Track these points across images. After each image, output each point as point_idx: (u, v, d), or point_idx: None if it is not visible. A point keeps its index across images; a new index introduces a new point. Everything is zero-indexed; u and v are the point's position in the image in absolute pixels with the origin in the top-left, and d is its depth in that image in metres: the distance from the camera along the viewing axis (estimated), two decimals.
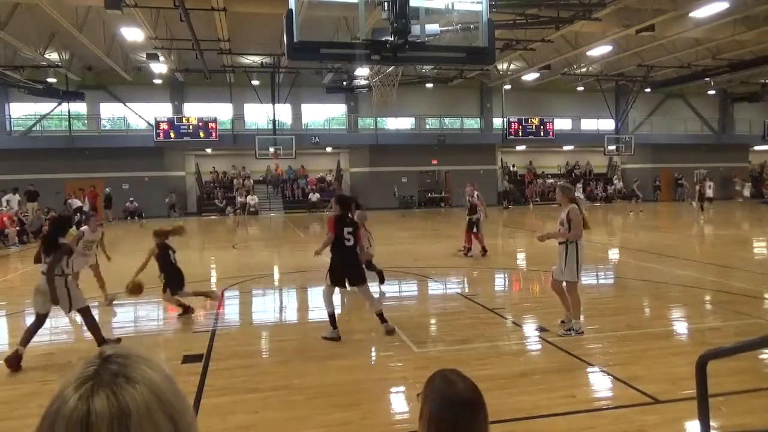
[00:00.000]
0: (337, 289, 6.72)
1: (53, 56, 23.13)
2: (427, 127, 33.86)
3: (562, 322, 6.57)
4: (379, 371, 5.50)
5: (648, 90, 32.32)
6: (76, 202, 22.84)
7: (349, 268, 6.50)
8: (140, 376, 0.75)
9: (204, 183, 31.52)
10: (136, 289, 7.44)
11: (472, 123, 34.70)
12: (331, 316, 6.44)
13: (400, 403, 4.74)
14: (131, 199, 27.92)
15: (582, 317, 6.54)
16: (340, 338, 6.32)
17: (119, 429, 0.69)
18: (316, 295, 9.45)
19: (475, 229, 12.62)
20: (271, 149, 28.45)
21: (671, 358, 5.45)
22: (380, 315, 6.54)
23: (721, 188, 32.32)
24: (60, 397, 0.72)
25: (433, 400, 1.51)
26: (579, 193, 31.40)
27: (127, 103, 29.80)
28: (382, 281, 9.28)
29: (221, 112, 30.26)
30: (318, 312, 8.23)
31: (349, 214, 6.69)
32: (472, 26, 7.73)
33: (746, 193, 32.61)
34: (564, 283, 6.47)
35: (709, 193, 27.36)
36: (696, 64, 26.80)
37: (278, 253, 15.14)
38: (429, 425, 1.50)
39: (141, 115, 29.81)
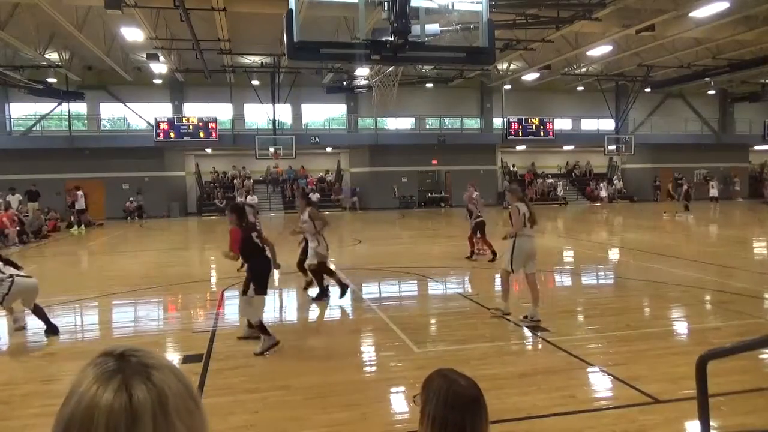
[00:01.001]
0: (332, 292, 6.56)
1: (53, 56, 23.13)
2: (427, 127, 33.85)
3: (525, 317, 7.03)
4: (379, 371, 5.50)
5: (648, 90, 32.30)
6: (82, 203, 22.80)
7: (270, 271, 6.23)
8: (162, 364, 0.76)
9: (204, 183, 31.53)
10: None
11: (472, 123, 34.69)
12: (262, 325, 5.96)
13: (400, 403, 4.73)
14: (131, 199, 27.94)
15: (507, 303, 7.23)
16: (279, 342, 5.91)
17: (161, 412, 0.71)
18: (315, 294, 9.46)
19: (479, 234, 12.12)
20: (271, 149, 28.44)
21: (671, 358, 5.45)
22: (257, 325, 6.03)
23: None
24: (84, 395, 0.71)
25: (436, 400, 1.47)
26: (604, 192, 31.25)
27: (127, 103, 29.78)
28: (342, 292, 8.25)
29: (221, 112, 30.26)
30: (318, 312, 8.24)
31: (246, 220, 6.29)
32: (472, 26, 7.72)
33: None
34: (513, 273, 7.15)
35: (714, 192, 27.30)
36: (696, 64, 26.78)
37: (278, 253, 15.11)
38: (432, 427, 1.46)
39: (141, 115, 29.80)
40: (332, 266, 8.85)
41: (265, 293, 6.11)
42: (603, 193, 28.60)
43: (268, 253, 6.35)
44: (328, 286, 8.58)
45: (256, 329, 5.99)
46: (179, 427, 0.72)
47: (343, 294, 8.26)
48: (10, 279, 6.52)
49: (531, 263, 7.05)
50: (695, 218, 22.08)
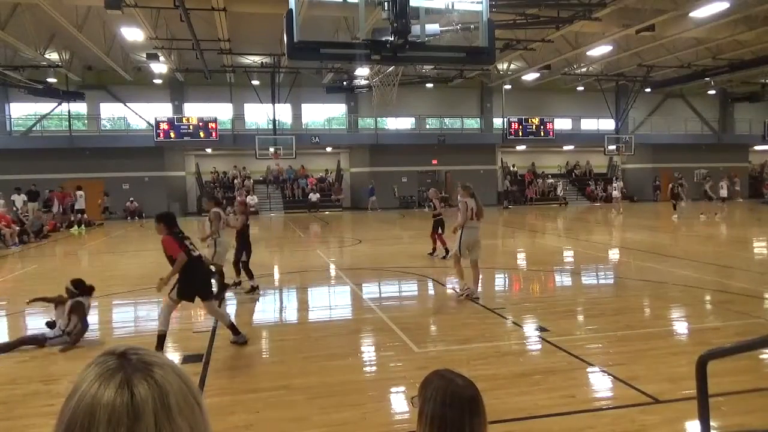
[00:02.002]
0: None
1: (53, 56, 23.14)
2: (427, 127, 33.87)
3: (466, 295, 8.27)
4: (379, 371, 5.50)
5: (648, 90, 32.33)
6: (81, 202, 22.79)
7: (204, 280, 6.18)
8: (163, 362, 0.77)
9: (204, 183, 31.53)
10: None
11: (472, 123, 34.70)
12: (163, 337, 5.90)
13: (400, 403, 4.73)
14: (131, 199, 27.93)
15: (464, 281, 8.30)
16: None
17: (163, 409, 0.71)
18: (316, 294, 9.49)
19: (440, 230, 12.77)
20: (271, 149, 28.45)
21: (671, 358, 5.44)
22: (232, 327, 6.21)
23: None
24: (86, 393, 0.71)
25: (435, 399, 1.47)
26: (617, 192, 30.76)
27: (127, 103, 29.80)
28: (220, 293, 8.33)
29: (221, 112, 30.27)
30: (318, 312, 8.26)
31: (177, 227, 6.10)
32: (472, 26, 7.74)
33: None
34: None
35: (723, 192, 27.26)
36: (696, 64, 26.79)
37: (278, 253, 15.13)
38: (431, 426, 1.47)
39: (141, 115, 29.82)
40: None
41: (183, 300, 5.99)
42: (616, 193, 28.35)
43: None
44: (229, 284, 8.98)
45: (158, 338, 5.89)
46: (181, 424, 0.72)
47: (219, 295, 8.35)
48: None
49: (475, 251, 8.25)
50: (694, 218, 22.06)
